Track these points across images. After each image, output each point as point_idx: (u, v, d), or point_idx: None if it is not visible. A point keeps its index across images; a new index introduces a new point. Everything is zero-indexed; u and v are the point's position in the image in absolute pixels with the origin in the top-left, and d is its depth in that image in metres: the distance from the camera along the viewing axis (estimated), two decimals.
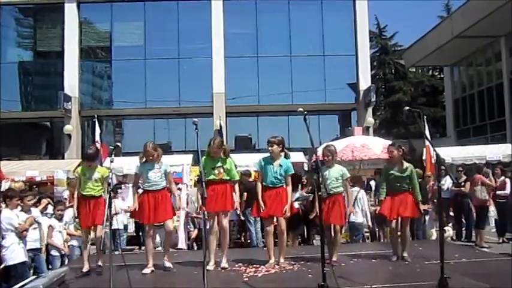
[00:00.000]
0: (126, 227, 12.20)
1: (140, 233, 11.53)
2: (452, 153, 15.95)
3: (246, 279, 5.68)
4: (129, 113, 23.10)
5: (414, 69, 36.41)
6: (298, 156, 14.76)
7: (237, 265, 6.39)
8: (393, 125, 33.81)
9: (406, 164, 6.61)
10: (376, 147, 13.40)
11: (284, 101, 21.66)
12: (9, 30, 22.94)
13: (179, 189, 12.01)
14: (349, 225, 9.71)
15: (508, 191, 12.13)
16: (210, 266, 6.22)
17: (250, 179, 11.58)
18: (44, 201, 8.91)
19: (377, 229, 11.05)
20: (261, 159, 6.58)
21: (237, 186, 6.72)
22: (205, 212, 5.47)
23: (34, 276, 5.94)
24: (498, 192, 12.25)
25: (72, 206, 7.11)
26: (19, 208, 7.24)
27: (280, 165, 6.42)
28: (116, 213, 10.21)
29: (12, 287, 5.27)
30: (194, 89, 22.08)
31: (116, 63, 23.11)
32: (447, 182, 12.14)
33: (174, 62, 22.31)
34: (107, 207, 5.10)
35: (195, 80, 22.24)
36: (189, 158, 14.04)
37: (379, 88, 33.67)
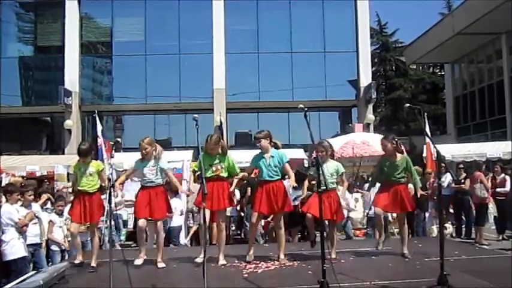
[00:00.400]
0: (126, 222, 12.21)
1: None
2: (453, 150, 15.94)
3: (246, 275, 5.68)
4: (130, 108, 23.10)
5: (415, 66, 36.36)
6: (298, 153, 14.75)
7: (236, 261, 6.39)
8: (393, 122, 33.79)
9: (399, 156, 6.59)
10: (377, 144, 13.33)
11: (284, 98, 21.67)
12: (9, 25, 22.92)
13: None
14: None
15: (507, 188, 12.14)
16: (199, 259, 6.19)
17: (253, 175, 11.58)
18: (44, 196, 8.91)
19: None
20: (253, 157, 6.60)
21: (235, 181, 6.71)
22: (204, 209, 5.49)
23: (34, 271, 5.94)
24: (498, 189, 12.26)
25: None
26: (19, 203, 7.24)
27: (272, 157, 6.42)
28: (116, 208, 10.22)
29: (12, 282, 5.27)
30: (195, 85, 22.06)
31: (116, 58, 23.10)
32: (447, 179, 12.13)
33: (174, 57, 22.28)
34: (107, 202, 5.09)
35: (196, 76, 22.22)
36: (189, 154, 14.02)
37: (379, 85, 33.63)
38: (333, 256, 6.30)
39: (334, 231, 6.66)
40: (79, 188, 6.28)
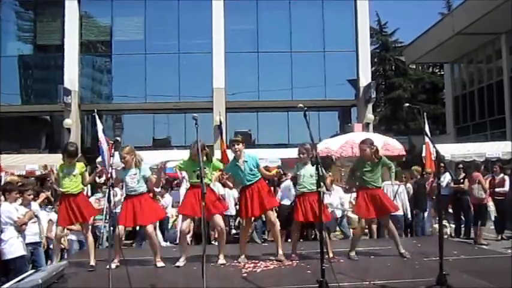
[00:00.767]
0: None
1: (137, 228, 11.49)
2: (452, 150, 15.98)
3: (245, 274, 5.68)
4: (129, 107, 23.08)
5: (414, 66, 36.39)
6: (296, 153, 14.73)
7: (235, 261, 6.39)
8: (393, 122, 33.82)
9: (377, 160, 6.59)
10: (376, 143, 13.38)
11: (284, 97, 21.66)
12: (9, 23, 22.90)
13: (177, 185, 12.06)
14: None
15: (507, 188, 12.15)
16: (180, 262, 6.26)
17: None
18: (43, 195, 8.89)
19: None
20: (228, 165, 6.73)
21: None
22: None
23: (33, 270, 5.93)
24: (497, 189, 12.27)
25: None
26: (19, 202, 7.23)
27: (246, 161, 6.48)
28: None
29: (11, 281, 5.27)
30: (194, 84, 22.04)
31: (116, 57, 23.09)
32: (446, 179, 12.14)
33: (174, 57, 22.27)
34: (106, 201, 5.09)
35: (195, 75, 22.20)
36: (188, 153, 14.02)
37: (379, 85, 33.64)
38: (331, 255, 6.31)
39: (324, 232, 6.69)
40: (62, 190, 6.31)
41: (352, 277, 5.35)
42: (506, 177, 12.31)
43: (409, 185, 11.65)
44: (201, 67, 22.07)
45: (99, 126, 12.12)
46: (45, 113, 23.87)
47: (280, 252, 6.46)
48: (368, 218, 6.66)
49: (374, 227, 10.87)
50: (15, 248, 6.71)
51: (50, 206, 8.68)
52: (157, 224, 11.22)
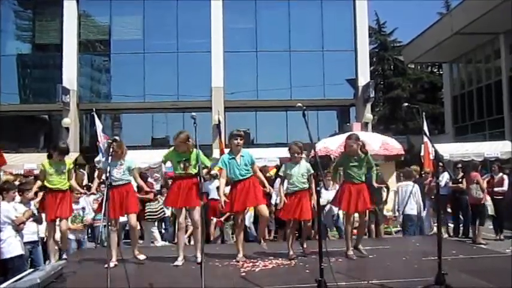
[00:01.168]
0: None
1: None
2: (451, 149, 16.00)
3: (243, 273, 5.68)
4: (128, 106, 23.06)
5: (413, 66, 36.43)
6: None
7: (234, 260, 6.39)
8: (392, 121, 33.87)
9: (362, 155, 6.58)
10: (375, 143, 13.42)
11: (283, 96, 21.66)
12: (8, 22, 22.86)
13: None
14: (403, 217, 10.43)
15: (505, 187, 12.16)
16: (179, 262, 6.25)
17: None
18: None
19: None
20: (223, 158, 6.68)
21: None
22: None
23: (31, 269, 5.93)
24: (496, 189, 12.28)
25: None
26: (18, 200, 7.22)
27: (242, 156, 6.52)
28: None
29: (9, 280, 5.26)
30: (193, 84, 22.03)
31: (114, 56, 23.06)
32: (444, 178, 12.15)
33: (173, 56, 22.25)
34: (104, 200, 5.08)
35: (194, 75, 22.19)
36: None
37: (378, 84, 33.69)
38: (305, 246, 6.64)
39: (309, 229, 6.84)
40: (50, 186, 6.40)
41: (350, 276, 5.35)
42: (505, 177, 12.33)
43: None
44: (199, 66, 22.06)
45: (99, 126, 12.14)
46: (44, 112, 23.84)
47: (263, 242, 6.82)
48: (348, 212, 6.64)
49: (372, 226, 10.87)
50: (13, 247, 6.71)
51: None
52: (156, 223, 11.27)
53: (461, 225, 12.70)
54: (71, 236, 8.70)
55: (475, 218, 11.84)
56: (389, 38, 37.21)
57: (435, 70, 37.33)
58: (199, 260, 6.23)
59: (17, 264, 6.65)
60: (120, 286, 4.81)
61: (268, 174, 10.56)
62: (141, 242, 11.77)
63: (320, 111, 22.38)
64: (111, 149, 6.09)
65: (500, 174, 12.48)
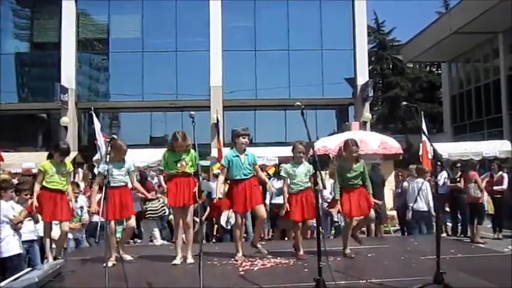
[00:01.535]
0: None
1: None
2: (449, 149, 16.01)
3: (242, 272, 5.67)
4: (126, 105, 23.07)
5: (412, 65, 36.44)
6: (295, 151, 14.73)
7: (232, 259, 6.39)
8: (390, 120, 33.88)
9: (359, 161, 6.53)
10: (373, 142, 13.45)
11: (281, 95, 21.67)
12: (6, 21, 22.82)
13: None
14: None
15: (505, 186, 12.16)
16: (177, 260, 6.24)
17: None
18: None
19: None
20: (227, 155, 6.63)
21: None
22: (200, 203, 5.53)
23: (29, 268, 5.92)
24: (495, 187, 12.28)
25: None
26: (15, 199, 7.21)
27: (247, 155, 6.52)
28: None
29: (7, 279, 5.25)
30: (191, 82, 22.04)
31: (113, 55, 23.05)
32: (443, 178, 12.15)
33: (171, 55, 22.25)
34: (102, 198, 5.07)
35: (193, 73, 22.19)
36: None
37: (376, 83, 33.70)
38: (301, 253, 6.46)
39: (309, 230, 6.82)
40: (49, 186, 6.37)
41: (349, 275, 5.34)
42: (505, 175, 12.33)
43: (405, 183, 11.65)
44: (198, 65, 22.06)
45: (97, 124, 12.12)
46: (42, 111, 23.84)
47: (259, 246, 6.67)
48: (349, 216, 6.62)
49: (372, 225, 10.87)
50: (11, 246, 6.69)
51: None
52: (157, 222, 11.26)
53: (459, 224, 12.70)
54: (69, 235, 8.69)
55: (473, 217, 11.84)
56: (388, 37, 37.24)
57: (434, 69, 37.36)
58: (189, 261, 6.25)
59: (15, 263, 6.63)
60: (119, 285, 4.81)
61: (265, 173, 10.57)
62: (139, 241, 11.80)
63: (319, 110, 22.41)
64: (108, 149, 6.09)
65: (500, 172, 12.47)
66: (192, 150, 6.30)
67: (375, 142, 13.46)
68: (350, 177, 6.42)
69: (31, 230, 7.49)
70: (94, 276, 5.62)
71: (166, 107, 22.74)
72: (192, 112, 5.52)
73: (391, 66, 36.43)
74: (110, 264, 5.90)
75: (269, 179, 9.75)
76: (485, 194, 12.17)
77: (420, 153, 13.93)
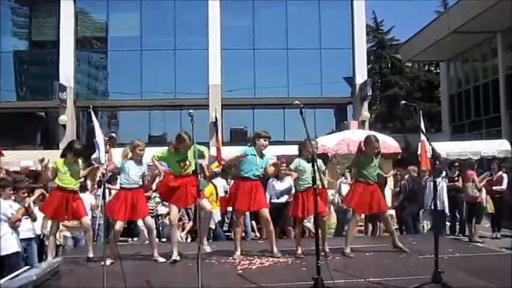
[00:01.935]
0: None
1: (132, 225, 11.46)
2: (447, 148, 16.01)
3: (240, 271, 5.68)
4: (125, 104, 23.04)
5: (410, 64, 36.39)
6: (292, 150, 14.72)
7: (231, 257, 6.39)
8: (389, 119, 33.85)
9: (378, 156, 6.70)
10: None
11: (280, 94, 21.64)
12: (4, 19, 22.76)
13: None
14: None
15: (504, 186, 12.17)
16: (175, 257, 6.28)
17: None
18: (37, 192, 8.84)
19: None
20: (246, 150, 6.62)
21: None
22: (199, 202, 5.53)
23: (27, 267, 5.91)
24: (494, 187, 12.27)
25: None
26: (12, 198, 7.19)
27: (262, 158, 6.58)
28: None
29: (5, 277, 5.24)
30: (190, 81, 22.00)
31: (111, 54, 23.00)
32: (441, 177, 12.13)
33: (170, 53, 22.21)
34: (101, 198, 5.07)
35: (191, 72, 22.15)
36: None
37: (375, 82, 33.67)
38: (327, 250, 6.33)
39: (325, 226, 6.75)
40: (61, 185, 6.39)
41: (347, 274, 5.35)
42: (505, 175, 12.32)
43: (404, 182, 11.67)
44: (197, 64, 22.02)
45: (96, 123, 12.11)
46: (41, 110, 23.78)
47: (275, 250, 6.49)
48: (357, 212, 6.66)
49: (369, 224, 10.89)
50: (9, 245, 6.69)
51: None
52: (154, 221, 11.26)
53: (457, 223, 12.71)
54: (68, 233, 8.70)
55: (471, 216, 11.84)
56: (387, 37, 37.19)
57: (432, 68, 37.34)
58: (207, 249, 6.36)
59: (13, 261, 6.62)
60: (117, 284, 4.81)
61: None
62: (136, 239, 11.80)
63: (317, 109, 22.39)
64: (107, 147, 6.11)
65: (500, 172, 12.46)
66: (193, 146, 6.31)
67: None
68: (369, 171, 6.55)
69: (29, 228, 7.49)
70: (92, 274, 5.62)
71: (165, 105, 22.72)
72: (191, 111, 5.52)
73: (389, 65, 36.39)
74: (108, 262, 5.93)
75: (267, 179, 9.77)
76: (484, 193, 12.16)
77: (419, 152, 13.92)
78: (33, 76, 23.54)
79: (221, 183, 11.28)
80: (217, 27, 22.05)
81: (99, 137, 11.36)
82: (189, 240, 11.03)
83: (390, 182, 12.85)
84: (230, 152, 11.51)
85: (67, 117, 21.44)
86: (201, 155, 6.46)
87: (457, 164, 12.93)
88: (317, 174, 5.08)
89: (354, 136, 13.90)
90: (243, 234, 11.44)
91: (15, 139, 21.59)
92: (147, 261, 6.45)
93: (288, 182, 10.67)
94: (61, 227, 8.49)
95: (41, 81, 22.97)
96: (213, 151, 16.43)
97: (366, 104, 22.24)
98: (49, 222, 6.98)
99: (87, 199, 8.98)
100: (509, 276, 4.79)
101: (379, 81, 36.39)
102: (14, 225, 6.79)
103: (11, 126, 22.12)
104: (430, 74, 36.52)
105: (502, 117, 21.50)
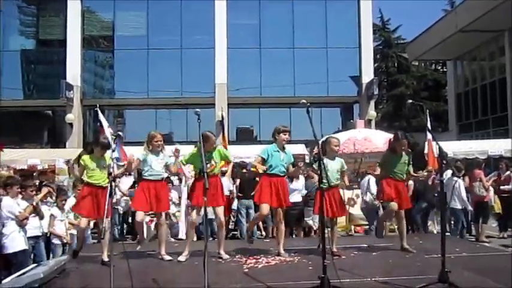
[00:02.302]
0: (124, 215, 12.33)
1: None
2: (454, 147, 15.93)
3: (246, 270, 5.68)
4: (131, 102, 23.11)
5: (417, 63, 36.27)
6: (298, 149, 14.73)
7: (237, 256, 6.39)
8: (395, 119, 33.74)
9: (407, 152, 6.74)
10: (378, 140, 13.39)
11: (286, 93, 21.66)
12: (11, 18, 22.89)
13: (179, 179, 12.02)
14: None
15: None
16: (182, 257, 6.27)
17: (244, 170, 11.71)
18: (45, 190, 8.87)
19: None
20: (267, 148, 6.52)
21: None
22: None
23: (34, 264, 5.94)
24: (502, 187, 12.19)
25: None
26: (20, 196, 7.22)
27: (286, 153, 6.51)
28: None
29: (12, 275, 5.27)
30: (196, 80, 22.04)
31: (118, 52, 23.09)
32: (447, 176, 12.08)
33: (176, 52, 22.25)
34: (108, 196, 5.06)
35: (198, 71, 22.20)
36: (190, 148, 13.98)
37: (381, 81, 33.58)
38: (334, 250, 6.30)
39: (336, 227, 6.70)
40: (91, 181, 6.23)
41: (353, 273, 5.34)
42: None
43: (411, 182, 11.60)
44: (203, 63, 22.06)
45: (104, 121, 12.13)
46: (47, 108, 23.90)
47: (282, 251, 6.47)
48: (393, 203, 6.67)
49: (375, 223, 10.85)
50: (16, 243, 6.71)
51: (50, 201, 8.66)
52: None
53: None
54: (75, 231, 8.71)
55: (478, 216, 11.78)
56: (394, 35, 37.08)
57: (439, 67, 37.22)
58: (224, 256, 6.35)
59: (21, 259, 6.65)
60: (123, 281, 4.82)
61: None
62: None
63: (324, 108, 22.36)
64: (114, 146, 6.11)
65: (508, 172, 12.36)
66: (219, 147, 6.35)
67: (380, 140, 13.40)
68: (399, 167, 6.62)
69: (36, 226, 7.52)
70: (99, 272, 5.63)
71: (171, 104, 22.76)
72: (198, 109, 5.51)
73: (396, 64, 36.28)
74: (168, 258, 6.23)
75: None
76: (492, 193, 12.10)
77: (425, 151, 13.86)
78: (40, 75, 23.67)
79: (225, 183, 11.28)
80: (223, 26, 22.07)
81: (109, 136, 11.37)
82: (194, 238, 11.02)
83: None
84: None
85: (74, 116, 21.52)
86: (226, 158, 6.65)
87: (459, 163, 12.86)
88: (323, 173, 5.08)
89: (360, 135, 13.87)
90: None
91: (22, 137, 21.68)
92: (154, 258, 6.45)
93: (301, 182, 10.69)
94: (68, 225, 8.54)
95: (47, 80, 23.08)
96: None
97: (372, 103, 22.21)
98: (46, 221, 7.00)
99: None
100: None
101: (385, 80, 36.29)
102: (21, 223, 6.81)
103: (18, 124, 22.21)
104: (436, 72, 36.39)
105: (509, 116, 21.41)
